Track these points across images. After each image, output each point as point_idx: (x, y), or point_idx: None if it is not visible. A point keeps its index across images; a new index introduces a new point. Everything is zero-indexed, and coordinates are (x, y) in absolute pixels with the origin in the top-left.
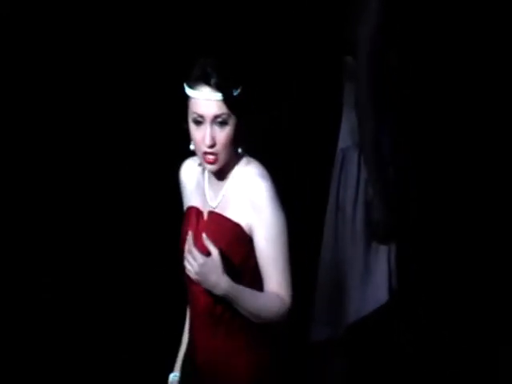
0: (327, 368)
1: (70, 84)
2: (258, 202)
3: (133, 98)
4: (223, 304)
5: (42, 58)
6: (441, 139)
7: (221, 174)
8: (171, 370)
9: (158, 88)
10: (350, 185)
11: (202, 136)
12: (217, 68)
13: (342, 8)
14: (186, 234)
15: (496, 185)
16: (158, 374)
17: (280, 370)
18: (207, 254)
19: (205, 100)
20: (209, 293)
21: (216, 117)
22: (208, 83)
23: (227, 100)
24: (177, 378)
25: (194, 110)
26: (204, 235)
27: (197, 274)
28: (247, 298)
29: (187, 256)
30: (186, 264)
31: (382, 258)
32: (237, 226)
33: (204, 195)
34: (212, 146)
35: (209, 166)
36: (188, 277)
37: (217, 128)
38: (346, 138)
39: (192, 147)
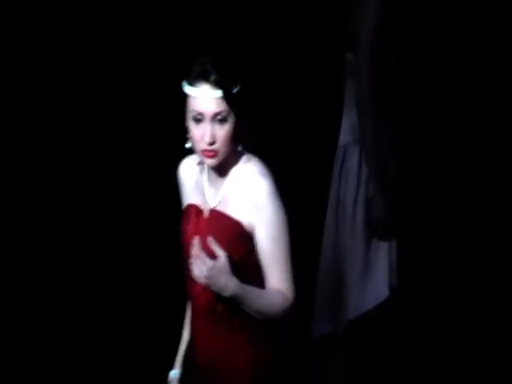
0: (328, 364)
1: (70, 83)
2: (258, 199)
3: (131, 96)
4: (224, 302)
5: (42, 58)
6: (440, 137)
7: (221, 172)
8: (171, 367)
9: (156, 87)
10: (351, 181)
11: (201, 134)
12: (216, 65)
13: (343, 6)
14: (186, 231)
15: (496, 183)
16: (159, 371)
17: (281, 367)
18: (211, 255)
19: (204, 98)
20: (209, 291)
21: (216, 114)
22: (207, 80)
23: (227, 97)
24: (177, 376)
25: (194, 108)
26: (210, 238)
27: (206, 278)
28: (253, 297)
29: (195, 261)
30: (195, 269)
31: (383, 255)
32: (238, 223)
33: (203, 193)
34: (212, 144)
35: (208, 161)
36: (188, 275)
37: (216, 125)
38: (346, 134)
39: (188, 145)
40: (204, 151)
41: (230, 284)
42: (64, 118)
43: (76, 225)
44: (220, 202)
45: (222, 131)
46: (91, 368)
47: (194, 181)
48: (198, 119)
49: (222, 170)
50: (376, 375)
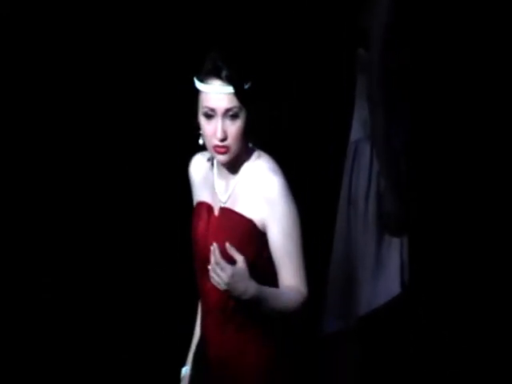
0: (339, 360)
1: (74, 82)
2: (270, 196)
3: (142, 94)
4: (235, 299)
5: (42, 58)
6: (452, 131)
7: (231, 168)
8: (183, 364)
9: (167, 83)
10: (363, 177)
11: (213, 130)
12: (227, 61)
13: (355, 2)
14: (197, 229)
15: (510, 178)
16: (171, 368)
17: (291, 363)
18: (230, 259)
19: (216, 93)
20: (220, 290)
21: (227, 110)
22: (219, 76)
23: (238, 93)
24: (189, 372)
25: (205, 104)
26: (227, 244)
27: (226, 285)
28: (271, 297)
29: (215, 268)
30: (214, 276)
31: (395, 251)
32: (249, 221)
33: (214, 190)
34: (223, 140)
35: (220, 157)
36: (199, 272)
37: (228, 121)
38: (358, 130)
39: (201, 142)
40: (215, 147)
41: (249, 288)
42: (69, 118)
43: (77, 225)
44: (229, 198)
45: (234, 127)
46: (92, 368)
47: (204, 177)
48: (210, 115)
49: (232, 166)
50: (387, 371)
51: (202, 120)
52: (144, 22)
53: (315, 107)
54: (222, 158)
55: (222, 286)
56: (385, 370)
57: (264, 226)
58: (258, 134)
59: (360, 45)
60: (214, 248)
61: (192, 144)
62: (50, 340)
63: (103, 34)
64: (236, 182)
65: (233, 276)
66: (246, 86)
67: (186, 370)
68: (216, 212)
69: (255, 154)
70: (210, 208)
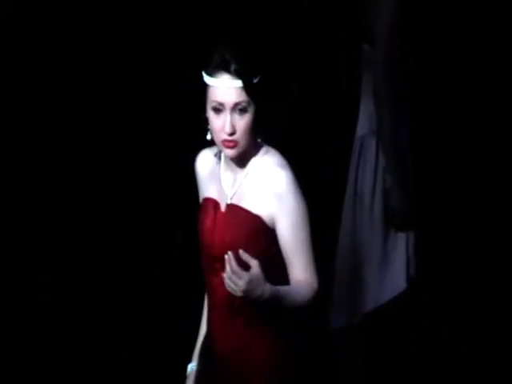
0: (345, 355)
1: (76, 79)
2: (279, 191)
3: (147, 90)
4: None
5: (42, 58)
6: (457, 127)
7: (239, 163)
8: (188, 361)
9: (172, 80)
10: (368, 173)
11: (221, 124)
12: (236, 55)
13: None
14: (203, 225)
15: None
16: (177, 364)
17: (298, 359)
18: (243, 265)
19: (225, 87)
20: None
21: (236, 104)
22: (228, 70)
23: (247, 87)
24: (195, 368)
25: (214, 98)
26: (241, 251)
27: (243, 291)
28: (284, 296)
29: (232, 277)
30: (230, 284)
31: (400, 246)
32: (256, 217)
33: (220, 186)
34: (232, 134)
35: (228, 151)
36: (206, 269)
37: (237, 116)
38: (364, 125)
39: (209, 137)
40: (224, 141)
41: (265, 292)
42: (71, 114)
43: (77, 225)
44: (236, 193)
45: (242, 121)
46: (94, 368)
47: (210, 173)
48: (218, 109)
49: (240, 161)
50: (391, 370)
51: (211, 114)
52: (151, 17)
53: (321, 103)
54: (231, 152)
55: (238, 294)
56: (388, 370)
57: (272, 221)
58: (267, 128)
59: (365, 41)
60: (229, 257)
61: (196, 141)
62: (50, 340)
63: (106, 31)
64: (243, 176)
65: (250, 283)
66: (255, 81)
67: (192, 367)
68: (222, 208)
69: (263, 149)
70: (216, 204)
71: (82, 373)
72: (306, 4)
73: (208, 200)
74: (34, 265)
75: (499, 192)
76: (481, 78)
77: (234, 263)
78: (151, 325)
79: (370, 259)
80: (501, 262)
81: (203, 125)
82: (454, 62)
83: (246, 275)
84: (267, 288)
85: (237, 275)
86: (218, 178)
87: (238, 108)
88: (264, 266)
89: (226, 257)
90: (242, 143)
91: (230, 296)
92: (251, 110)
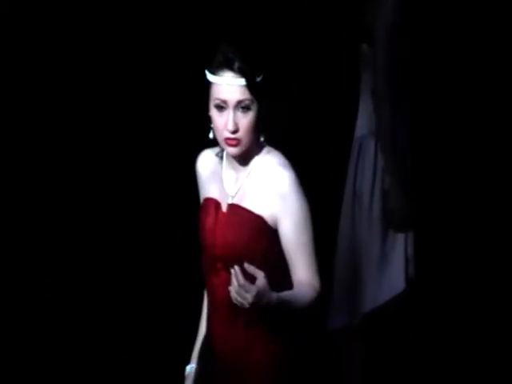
0: (345, 355)
1: (76, 79)
2: (282, 191)
3: (147, 90)
4: None
5: (42, 58)
6: (457, 128)
7: (241, 162)
8: (187, 362)
9: (174, 79)
10: (367, 173)
11: (224, 122)
12: (240, 53)
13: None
14: (204, 225)
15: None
16: (177, 364)
17: (299, 359)
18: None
19: (228, 85)
20: (228, 285)
21: (239, 102)
22: (231, 68)
23: (250, 85)
24: (194, 370)
25: (217, 96)
26: (246, 264)
27: (250, 304)
28: (289, 301)
29: (239, 291)
30: (238, 298)
31: (399, 247)
32: (258, 217)
33: (222, 186)
34: (235, 132)
35: (231, 149)
36: (206, 269)
37: (239, 114)
38: (362, 126)
39: (211, 136)
40: (227, 139)
41: (271, 301)
42: (71, 114)
43: (77, 225)
44: (238, 192)
45: (245, 119)
46: (94, 368)
47: (212, 173)
48: (221, 107)
49: (242, 159)
50: (391, 371)
51: (214, 112)
52: (152, 16)
53: (320, 103)
54: (233, 150)
55: (246, 306)
56: (388, 370)
57: (275, 221)
58: (269, 128)
59: (364, 40)
60: (236, 271)
61: (198, 141)
62: (50, 340)
63: (107, 30)
64: (246, 175)
65: (257, 295)
66: (258, 79)
67: (190, 368)
68: (224, 208)
69: (265, 149)
70: (217, 204)
71: (82, 373)
72: (307, 4)
73: (209, 200)
74: (34, 265)
75: (498, 192)
76: (480, 77)
77: (241, 277)
78: (151, 325)
79: (369, 259)
80: (500, 261)
81: (206, 124)
82: (453, 62)
83: (253, 288)
84: (273, 297)
85: (244, 289)
86: (219, 178)
87: (241, 106)
88: (266, 266)
89: (233, 271)
90: (245, 141)
91: (231, 296)
92: (254, 108)
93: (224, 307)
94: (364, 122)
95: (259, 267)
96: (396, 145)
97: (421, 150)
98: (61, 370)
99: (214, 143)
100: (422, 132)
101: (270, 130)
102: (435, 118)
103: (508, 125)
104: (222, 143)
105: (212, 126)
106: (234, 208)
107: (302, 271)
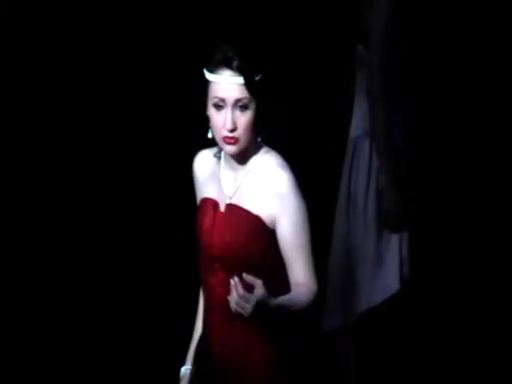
0: (340, 356)
1: (76, 79)
2: (280, 191)
3: (145, 91)
4: None
5: (42, 58)
6: (452, 128)
7: (239, 161)
8: (183, 363)
9: (173, 79)
10: (362, 174)
11: (222, 120)
12: (238, 52)
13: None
14: (202, 225)
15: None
16: (177, 364)
17: (297, 360)
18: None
19: (226, 84)
20: (226, 285)
21: (237, 101)
22: (230, 67)
23: (249, 84)
24: (189, 371)
25: (215, 94)
26: (244, 274)
27: (250, 314)
28: (287, 305)
29: (239, 302)
30: (238, 308)
31: (394, 247)
32: (256, 217)
33: (220, 186)
34: (233, 131)
35: (229, 148)
36: (204, 269)
37: (238, 112)
38: (357, 126)
39: (210, 135)
40: (225, 138)
41: (271, 308)
42: (70, 115)
43: (77, 225)
44: (236, 192)
45: (244, 118)
46: (94, 368)
47: (210, 173)
48: (219, 106)
49: (240, 159)
50: (387, 371)
51: (212, 111)
52: (151, 16)
53: (315, 104)
54: (231, 148)
55: (246, 315)
56: (383, 370)
57: (273, 221)
58: (267, 127)
59: (359, 41)
60: (235, 282)
61: (196, 141)
62: (50, 340)
63: (106, 30)
64: (244, 174)
65: (257, 305)
66: (257, 78)
67: (185, 370)
68: (222, 208)
69: (263, 149)
70: (215, 204)
71: (82, 373)
72: (306, 4)
73: (207, 200)
74: (34, 265)
75: (493, 192)
76: (476, 78)
77: (240, 288)
78: (151, 325)
79: (364, 260)
80: (495, 261)
81: (205, 124)
82: (448, 63)
83: (252, 298)
84: (272, 304)
85: (244, 299)
86: (217, 178)
87: (239, 105)
88: (263, 266)
89: (232, 282)
90: (243, 140)
91: (230, 307)
92: (252, 107)
93: (222, 308)
94: (359, 123)
95: (257, 267)
96: (391, 144)
97: (416, 150)
98: (61, 370)
99: (212, 143)
100: (416, 132)
101: (269, 129)
102: (430, 118)
103: (503, 124)
104: (220, 142)
105: (210, 124)
106: (232, 208)
107: (300, 272)
